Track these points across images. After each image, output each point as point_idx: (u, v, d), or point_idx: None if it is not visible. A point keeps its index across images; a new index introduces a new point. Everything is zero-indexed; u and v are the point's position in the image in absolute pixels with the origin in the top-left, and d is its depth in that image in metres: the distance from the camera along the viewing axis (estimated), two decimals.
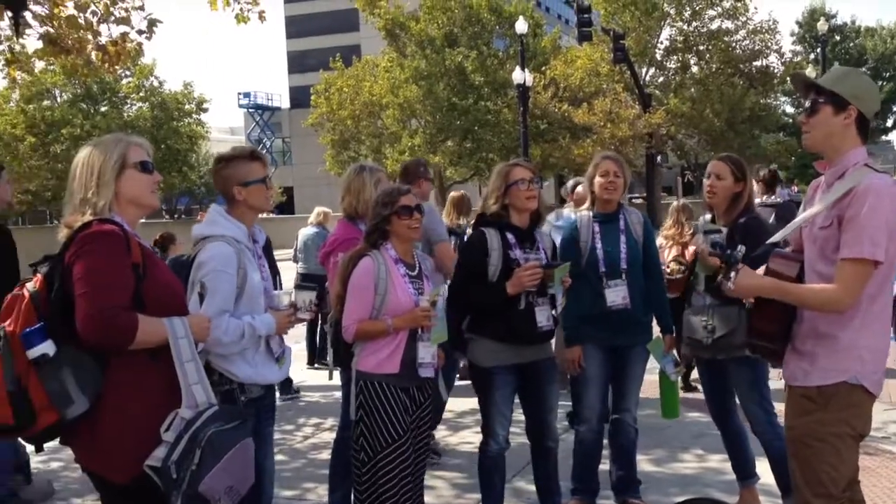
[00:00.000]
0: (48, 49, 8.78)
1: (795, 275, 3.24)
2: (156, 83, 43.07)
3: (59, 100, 42.15)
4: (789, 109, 45.77)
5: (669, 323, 5.00)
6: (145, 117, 41.57)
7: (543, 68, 37.21)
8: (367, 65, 40.46)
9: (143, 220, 3.23)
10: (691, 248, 5.99)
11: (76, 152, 3.11)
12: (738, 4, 39.27)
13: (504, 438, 4.60)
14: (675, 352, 4.99)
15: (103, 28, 8.85)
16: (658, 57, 41.24)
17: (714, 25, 40.09)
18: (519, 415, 4.74)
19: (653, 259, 5.07)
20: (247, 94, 66.07)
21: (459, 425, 6.95)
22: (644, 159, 38.65)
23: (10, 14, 8.14)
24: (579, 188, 7.53)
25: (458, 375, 6.47)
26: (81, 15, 8.66)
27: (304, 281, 7.99)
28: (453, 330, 4.32)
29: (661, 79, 42.11)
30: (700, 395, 5.11)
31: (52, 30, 8.64)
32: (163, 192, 35.72)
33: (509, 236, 4.51)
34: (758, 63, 40.37)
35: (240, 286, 3.51)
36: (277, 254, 9.89)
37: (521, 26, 30.14)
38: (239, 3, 9.37)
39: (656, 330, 5.06)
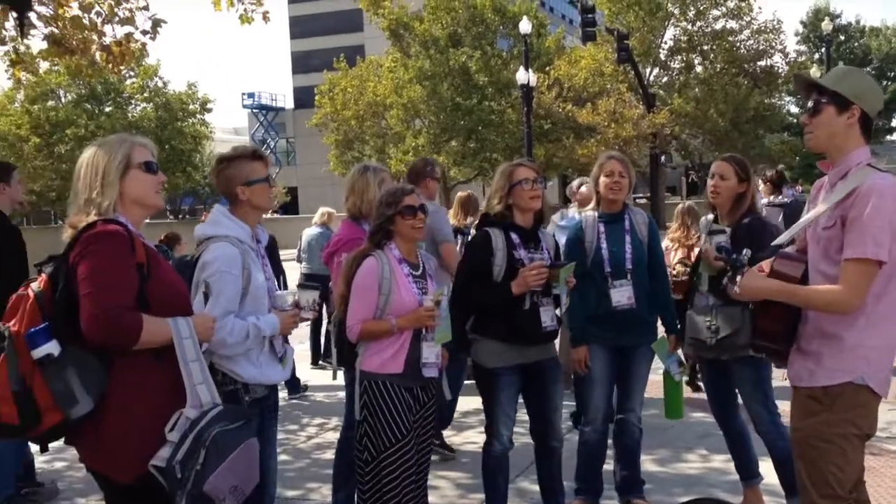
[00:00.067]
0: (53, 50, 8.80)
1: (800, 275, 3.23)
2: (160, 83, 43.16)
3: (63, 100, 42.25)
4: (794, 109, 45.72)
5: (674, 323, 5.00)
6: (149, 118, 41.65)
7: (547, 68, 37.24)
8: (371, 65, 40.52)
9: (147, 221, 3.24)
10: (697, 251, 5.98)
11: (80, 153, 3.11)
12: (743, 4, 39.27)
13: (508, 439, 4.59)
14: (679, 352, 4.99)
15: (108, 28, 8.88)
16: (662, 57, 41.24)
17: (718, 25, 40.10)
18: (522, 415, 4.74)
19: (658, 259, 5.06)
20: (251, 95, 66.12)
21: (463, 425, 6.95)
22: (648, 159, 38.67)
23: (14, 15, 8.16)
24: (583, 188, 7.53)
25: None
26: (86, 15, 8.67)
27: (308, 281, 8.01)
28: (457, 330, 4.32)
29: (665, 79, 42.12)
30: (704, 396, 5.11)
31: (56, 30, 8.66)
32: (167, 192, 35.82)
33: (514, 236, 4.50)
34: (762, 63, 40.39)
35: (244, 287, 3.51)
36: (282, 254, 9.93)
37: (525, 26, 30.14)
38: (243, 3, 9.38)
39: (661, 330, 5.06)
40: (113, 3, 8.72)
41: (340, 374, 4.62)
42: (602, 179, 4.90)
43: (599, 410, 4.92)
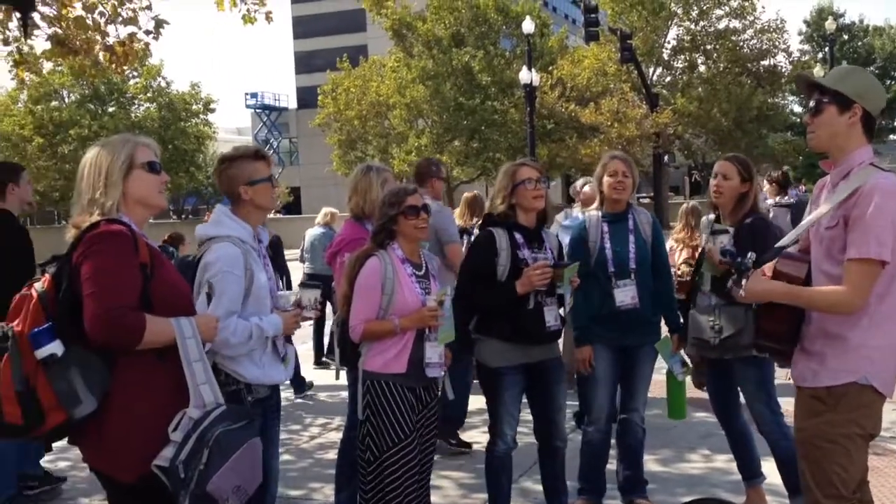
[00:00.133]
0: (56, 50, 8.81)
1: (804, 276, 3.23)
2: (163, 84, 43.24)
3: (66, 100, 42.35)
4: (797, 109, 45.64)
5: (677, 323, 4.99)
6: (153, 118, 41.73)
7: (550, 68, 37.19)
8: (374, 65, 40.49)
9: (150, 221, 3.24)
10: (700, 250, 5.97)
11: (84, 153, 3.11)
12: (746, 4, 39.17)
13: (512, 438, 4.59)
14: (682, 352, 4.98)
15: (111, 29, 8.90)
16: (665, 56, 41.16)
17: (721, 25, 39.99)
18: (526, 414, 4.73)
19: (661, 259, 5.06)
20: (254, 95, 66.12)
21: (467, 425, 6.94)
22: (651, 159, 38.60)
23: (18, 15, 8.18)
24: (587, 188, 7.52)
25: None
26: (89, 16, 8.69)
27: (311, 281, 8.01)
28: (461, 330, 4.32)
29: (668, 78, 42.03)
30: (707, 395, 5.11)
31: (60, 31, 8.67)
32: (170, 192, 35.84)
33: (517, 236, 4.50)
34: (765, 62, 40.27)
35: (247, 287, 3.51)
36: (285, 254, 9.93)
37: (528, 26, 30.11)
38: (246, 3, 9.39)
39: (664, 330, 5.05)
40: (116, 3, 8.74)
41: (343, 373, 4.63)
42: (606, 179, 4.90)
43: (603, 410, 4.91)
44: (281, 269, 8.69)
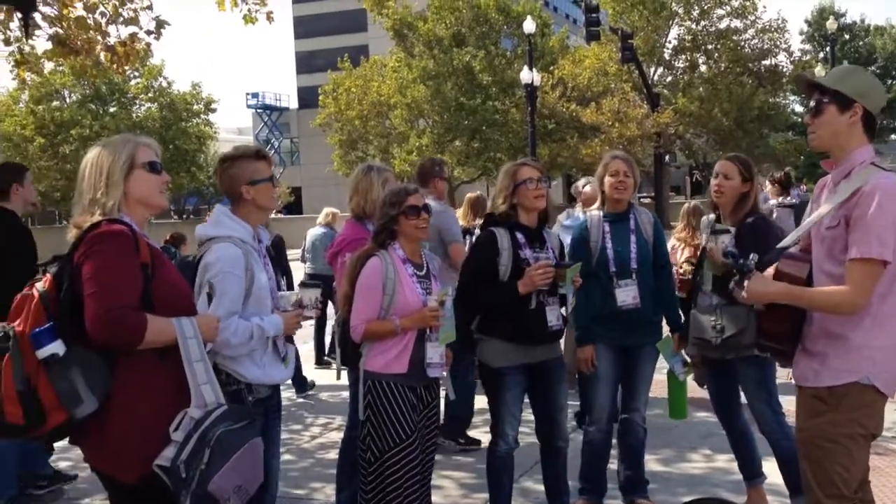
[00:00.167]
0: (57, 50, 8.81)
1: (805, 275, 3.23)
2: (164, 84, 43.27)
3: (68, 101, 42.39)
4: (798, 108, 45.61)
5: (679, 322, 4.99)
6: (154, 118, 41.76)
7: (551, 68, 37.21)
8: (375, 65, 40.51)
9: (152, 220, 3.24)
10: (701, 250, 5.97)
11: (85, 153, 3.11)
12: (747, 3, 39.17)
13: (513, 438, 4.59)
14: (683, 352, 4.98)
15: (112, 29, 8.90)
16: (666, 56, 41.17)
17: (723, 24, 40.00)
18: (527, 414, 4.73)
19: (663, 258, 5.05)
20: (255, 95, 66.13)
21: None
22: (652, 159, 38.60)
23: (19, 15, 8.18)
24: (588, 188, 7.52)
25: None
26: (90, 16, 8.69)
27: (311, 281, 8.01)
28: (462, 330, 4.32)
29: (669, 78, 42.03)
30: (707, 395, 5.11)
31: (61, 31, 8.67)
32: (171, 192, 35.87)
33: (519, 236, 4.50)
34: (767, 62, 40.26)
35: (247, 287, 3.51)
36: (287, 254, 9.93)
37: (529, 26, 30.12)
38: (247, 3, 9.39)
39: (665, 329, 5.05)
40: (117, 3, 8.74)
41: (344, 373, 4.63)
42: (607, 179, 4.90)
43: (604, 410, 4.91)
44: (284, 270, 8.69)
